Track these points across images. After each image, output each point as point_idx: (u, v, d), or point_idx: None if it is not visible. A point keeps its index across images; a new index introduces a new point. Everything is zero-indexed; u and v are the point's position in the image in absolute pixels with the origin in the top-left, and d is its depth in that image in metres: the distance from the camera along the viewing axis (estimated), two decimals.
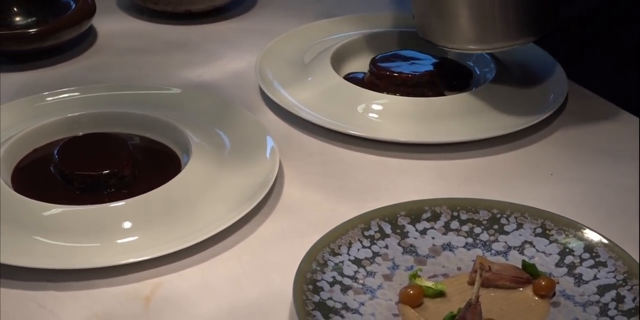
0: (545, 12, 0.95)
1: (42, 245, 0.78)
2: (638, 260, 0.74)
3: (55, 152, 0.88)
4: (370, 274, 0.75)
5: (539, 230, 0.78)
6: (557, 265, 0.76)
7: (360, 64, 1.08)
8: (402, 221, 0.79)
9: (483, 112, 0.97)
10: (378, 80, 1.02)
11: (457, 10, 0.93)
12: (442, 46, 0.98)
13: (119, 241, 0.79)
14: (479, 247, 0.78)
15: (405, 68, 1.03)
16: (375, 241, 0.77)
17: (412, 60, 1.04)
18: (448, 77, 1.04)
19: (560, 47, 1.08)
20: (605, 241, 0.76)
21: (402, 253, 0.77)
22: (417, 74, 1.02)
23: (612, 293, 0.72)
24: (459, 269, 0.76)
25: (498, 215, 0.80)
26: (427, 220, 0.80)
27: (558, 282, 0.73)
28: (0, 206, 0.81)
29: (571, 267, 0.75)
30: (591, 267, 0.75)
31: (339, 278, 0.73)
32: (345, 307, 0.71)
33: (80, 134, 0.93)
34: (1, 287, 0.76)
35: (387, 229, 0.78)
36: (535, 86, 1.01)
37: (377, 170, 0.92)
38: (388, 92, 1.01)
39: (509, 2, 0.91)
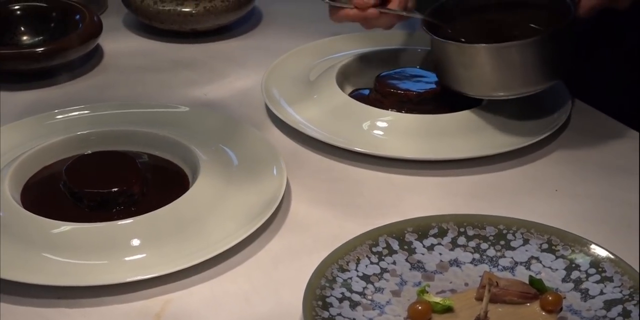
0: (565, 59, 0.96)
1: (51, 263, 0.79)
2: None
3: (64, 169, 0.89)
4: (379, 290, 0.75)
5: (545, 246, 0.79)
6: (564, 280, 0.76)
7: (366, 81, 1.09)
8: (409, 237, 0.80)
9: (487, 129, 0.98)
10: (383, 97, 1.03)
11: (481, 61, 0.94)
12: (466, 93, 0.98)
13: (127, 259, 0.80)
14: (486, 263, 0.79)
15: (410, 85, 1.03)
16: (383, 257, 0.78)
17: (416, 78, 1.05)
18: (452, 95, 1.05)
19: None
20: (611, 256, 0.76)
21: (410, 269, 0.78)
22: (421, 91, 1.02)
23: (619, 308, 0.72)
24: (466, 284, 0.77)
25: (504, 231, 0.80)
26: (434, 236, 0.80)
27: (565, 297, 0.74)
28: (10, 224, 0.82)
29: (578, 282, 0.76)
30: (597, 282, 0.75)
31: (347, 294, 0.74)
32: None
33: (89, 152, 0.94)
34: (12, 304, 0.77)
35: (395, 245, 0.79)
36: (538, 103, 1.02)
37: (384, 187, 0.93)
38: (393, 110, 1.02)
39: (530, 53, 0.93)
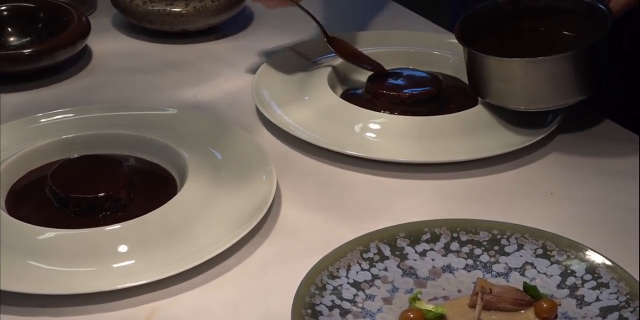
0: (602, 69, 0.94)
1: (36, 270, 0.77)
2: None
3: (50, 174, 0.87)
4: (370, 297, 0.74)
5: (539, 251, 0.77)
6: (559, 286, 0.75)
7: (358, 83, 1.07)
8: (401, 243, 0.78)
9: (482, 131, 0.97)
10: (375, 99, 1.02)
11: (520, 75, 0.93)
12: (501, 105, 0.97)
13: (115, 265, 0.78)
14: (480, 269, 0.77)
15: (403, 87, 1.02)
16: (374, 263, 0.76)
17: (409, 79, 1.04)
18: (446, 96, 1.03)
19: None
20: (607, 262, 0.75)
21: (402, 275, 0.76)
22: (415, 92, 1.01)
23: (615, 315, 0.71)
24: (459, 291, 0.75)
25: (498, 236, 0.79)
26: (427, 241, 0.79)
27: (560, 304, 0.72)
28: None
29: (573, 288, 0.74)
30: (593, 288, 0.74)
31: (337, 302, 0.72)
32: None
33: (75, 155, 0.92)
34: None
35: (386, 251, 0.77)
36: None
37: (376, 191, 0.91)
38: (386, 111, 1.00)
39: (569, 65, 0.91)
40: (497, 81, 0.95)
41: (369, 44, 1.14)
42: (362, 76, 1.06)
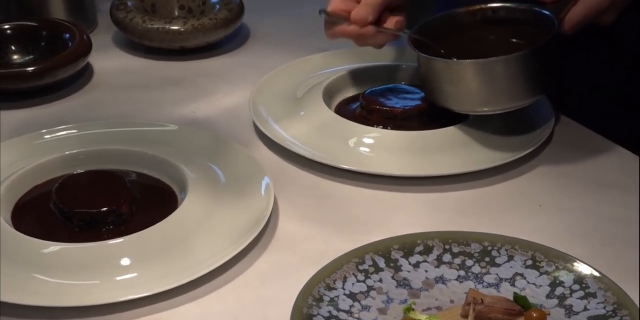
0: (551, 73, 0.98)
1: (41, 283, 0.79)
2: (638, 291, 0.76)
3: (54, 189, 0.89)
4: (365, 308, 0.76)
5: (529, 262, 0.80)
6: (548, 296, 0.77)
7: (352, 98, 1.10)
8: (395, 255, 0.81)
9: (473, 144, 0.99)
10: (369, 114, 1.04)
11: (467, 77, 0.95)
12: (452, 109, 0.99)
13: (117, 278, 0.80)
14: (471, 280, 0.79)
15: (396, 102, 1.04)
16: (369, 275, 0.79)
17: (402, 94, 1.06)
18: (437, 110, 1.05)
19: None
20: (594, 273, 0.77)
21: (396, 286, 0.78)
22: (407, 108, 1.03)
23: None
24: (451, 301, 0.77)
25: (489, 248, 0.81)
26: (420, 253, 0.81)
27: (549, 314, 0.75)
28: (0, 244, 0.83)
29: (562, 298, 0.77)
30: (581, 298, 0.76)
31: (334, 313, 0.74)
32: None
33: (79, 171, 0.95)
34: None
35: (381, 262, 0.80)
36: (522, 118, 1.03)
37: (370, 204, 0.94)
38: (379, 126, 1.02)
39: (515, 68, 0.94)
40: (446, 84, 0.97)
41: (363, 60, 1.16)
42: (357, 91, 1.09)
